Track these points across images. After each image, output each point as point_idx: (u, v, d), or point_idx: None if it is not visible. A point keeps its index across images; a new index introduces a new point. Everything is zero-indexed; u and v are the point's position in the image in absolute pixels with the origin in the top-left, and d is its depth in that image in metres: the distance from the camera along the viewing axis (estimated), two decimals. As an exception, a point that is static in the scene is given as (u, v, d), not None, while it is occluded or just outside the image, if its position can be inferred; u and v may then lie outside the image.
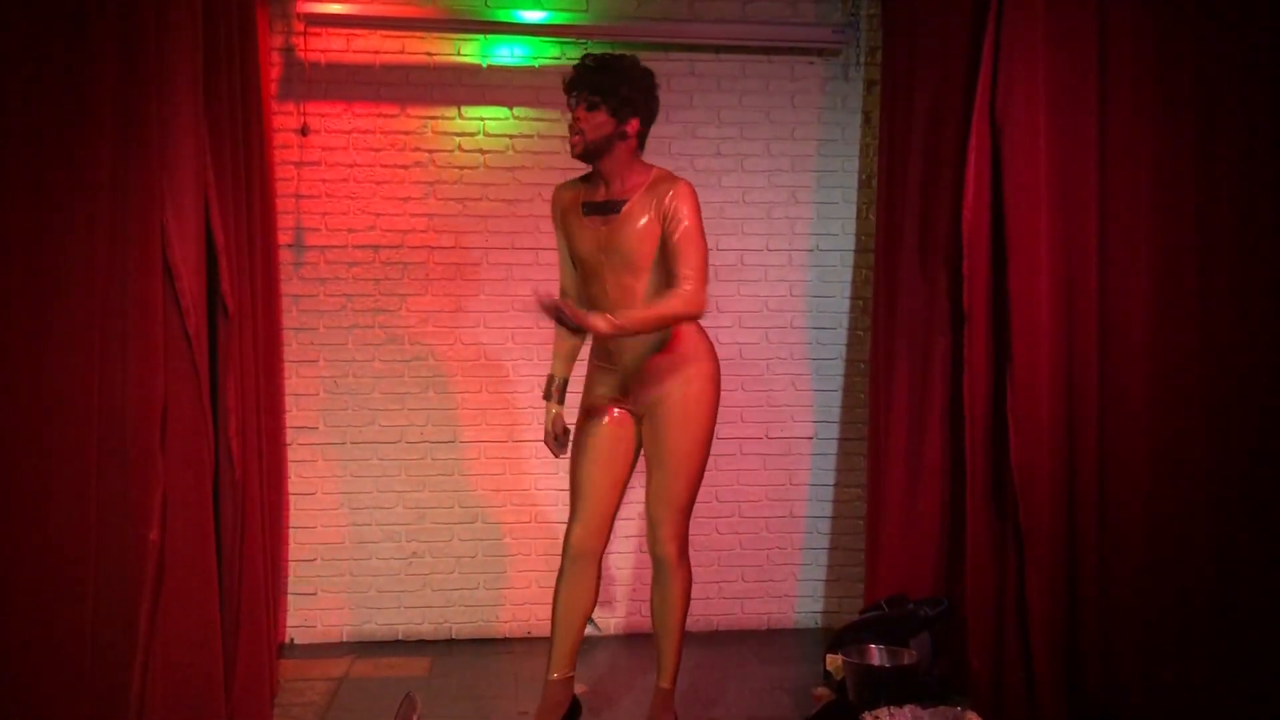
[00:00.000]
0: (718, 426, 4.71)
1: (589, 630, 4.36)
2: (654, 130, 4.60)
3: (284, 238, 4.49)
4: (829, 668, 3.91)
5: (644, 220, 3.26)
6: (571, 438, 3.54)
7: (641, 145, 3.36)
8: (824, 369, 4.81)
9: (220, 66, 3.36)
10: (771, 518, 4.81)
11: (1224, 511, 3.57)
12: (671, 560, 3.40)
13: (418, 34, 4.57)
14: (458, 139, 4.63)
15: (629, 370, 3.37)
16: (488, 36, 4.60)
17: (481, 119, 4.64)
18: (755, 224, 4.77)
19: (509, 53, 4.63)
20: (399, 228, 4.59)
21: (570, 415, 3.56)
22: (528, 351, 4.66)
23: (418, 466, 4.62)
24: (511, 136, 4.65)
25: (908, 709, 3.32)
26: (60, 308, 2.89)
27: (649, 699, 3.58)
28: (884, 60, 4.44)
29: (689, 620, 3.52)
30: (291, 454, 4.50)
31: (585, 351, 3.60)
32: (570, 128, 3.29)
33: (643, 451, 3.45)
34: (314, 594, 4.57)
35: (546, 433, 3.62)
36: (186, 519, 3.11)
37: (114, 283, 2.95)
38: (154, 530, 2.97)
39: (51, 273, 2.88)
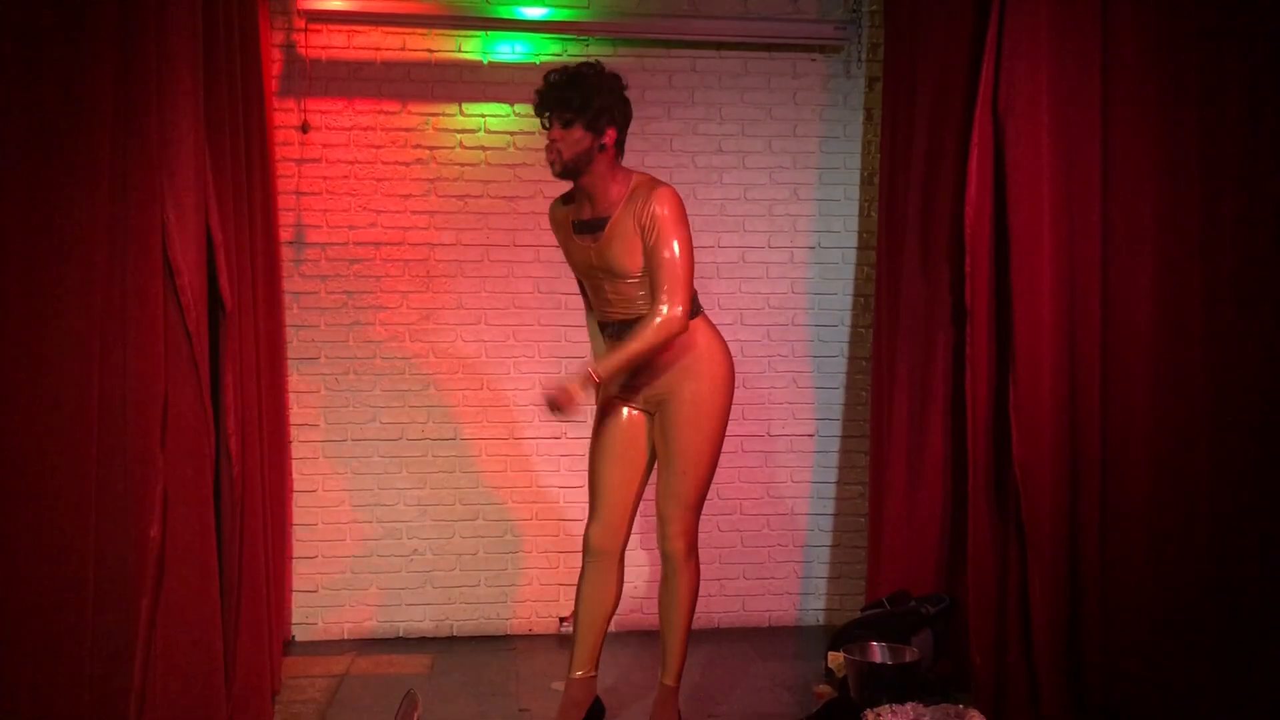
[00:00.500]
0: (727, 425, 4.74)
1: (565, 628, 4.39)
2: (655, 127, 4.67)
3: (285, 235, 4.49)
4: (831, 665, 3.90)
5: (627, 235, 3.24)
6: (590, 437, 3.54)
7: (621, 151, 3.30)
8: (826, 366, 4.81)
9: (220, 63, 3.35)
10: (773, 515, 4.80)
11: (1227, 508, 3.56)
12: (680, 557, 3.40)
13: (419, 30, 4.56)
14: (459, 136, 4.62)
15: (642, 369, 3.37)
16: (489, 33, 4.59)
17: (482, 116, 4.63)
18: (757, 221, 4.77)
19: (510, 49, 4.62)
20: (400, 225, 4.59)
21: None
22: (529, 349, 4.66)
23: (419, 463, 4.61)
24: (512, 133, 4.64)
25: (909, 706, 3.32)
26: (60, 304, 2.88)
27: (648, 695, 3.58)
28: (886, 56, 4.43)
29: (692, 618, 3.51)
30: (293, 451, 4.50)
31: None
32: (547, 147, 3.24)
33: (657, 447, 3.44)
34: (315, 591, 4.57)
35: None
36: (187, 515, 3.11)
37: (114, 279, 2.95)
38: (154, 527, 2.97)
39: (51, 269, 2.88)
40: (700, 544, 4.33)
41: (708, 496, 3.74)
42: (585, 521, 3.51)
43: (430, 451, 4.62)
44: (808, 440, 4.81)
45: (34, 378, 2.86)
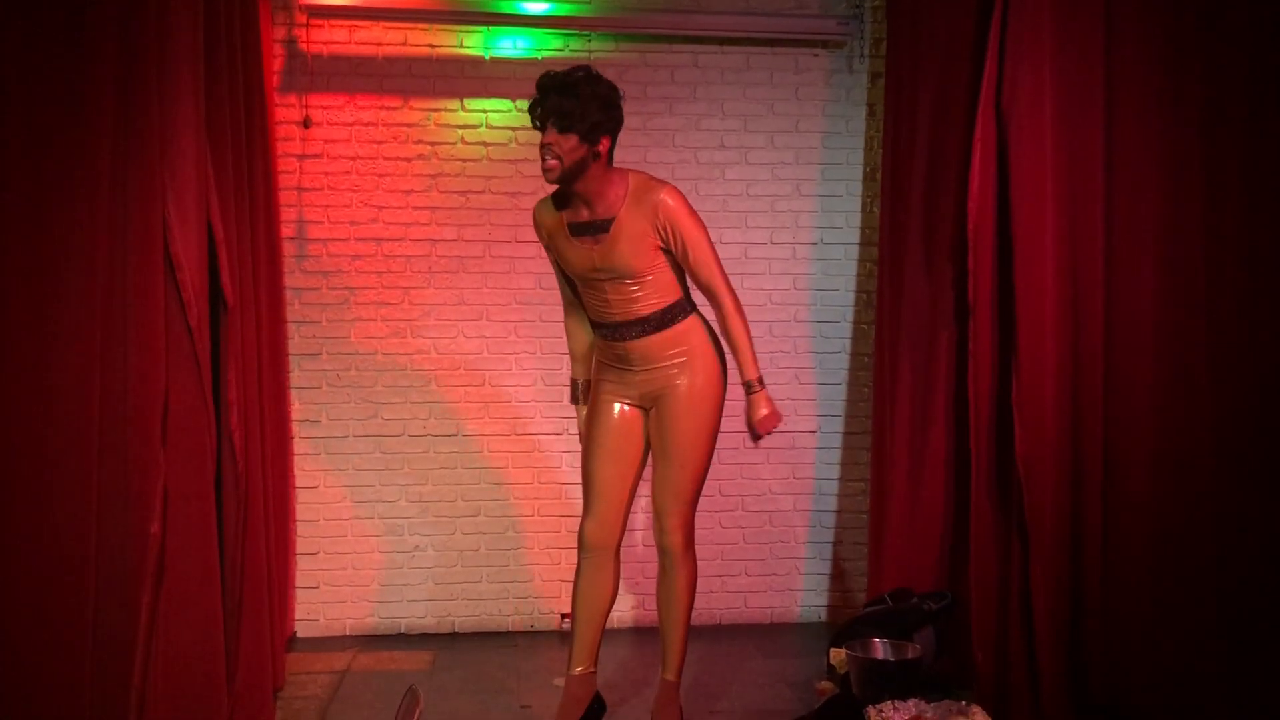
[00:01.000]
0: (723, 419, 4.73)
1: (566, 625, 4.39)
2: (658, 123, 4.67)
3: (286, 230, 4.49)
4: (833, 661, 3.90)
5: (636, 236, 3.25)
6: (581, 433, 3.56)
7: (612, 156, 3.30)
8: (828, 363, 4.80)
9: (222, 58, 3.35)
10: (775, 511, 4.80)
11: (1230, 504, 3.55)
12: (678, 551, 3.40)
13: (420, 26, 4.56)
14: (460, 131, 4.61)
15: (638, 365, 3.37)
16: (490, 28, 4.58)
17: (484, 111, 4.62)
18: (759, 217, 4.76)
19: (512, 45, 4.62)
20: (401, 220, 4.58)
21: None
22: (530, 345, 4.65)
23: (420, 460, 4.61)
24: (514, 129, 4.63)
25: (911, 703, 3.32)
26: (61, 300, 2.88)
27: (653, 692, 3.57)
28: (889, 52, 4.42)
29: (693, 614, 3.51)
30: (295, 447, 4.50)
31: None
32: (544, 152, 3.19)
33: (651, 443, 3.45)
34: (317, 587, 4.57)
35: (582, 435, 3.59)
36: (188, 512, 3.10)
37: (115, 275, 2.94)
38: (155, 523, 2.96)
39: (52, 266, 2.87)
40: (702, 540, 4.33)
41: (709, 493, 3.77)
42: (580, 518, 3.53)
43: (432, 448, 4.62)
44: (810, 437, 4.81)
45: (35, 374, 2.86)
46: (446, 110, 4.60)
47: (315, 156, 4.54)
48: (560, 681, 3.86)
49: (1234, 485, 3.55)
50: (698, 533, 4.30)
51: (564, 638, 4.52)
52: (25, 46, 2.84)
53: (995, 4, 3.61)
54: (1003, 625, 3.66)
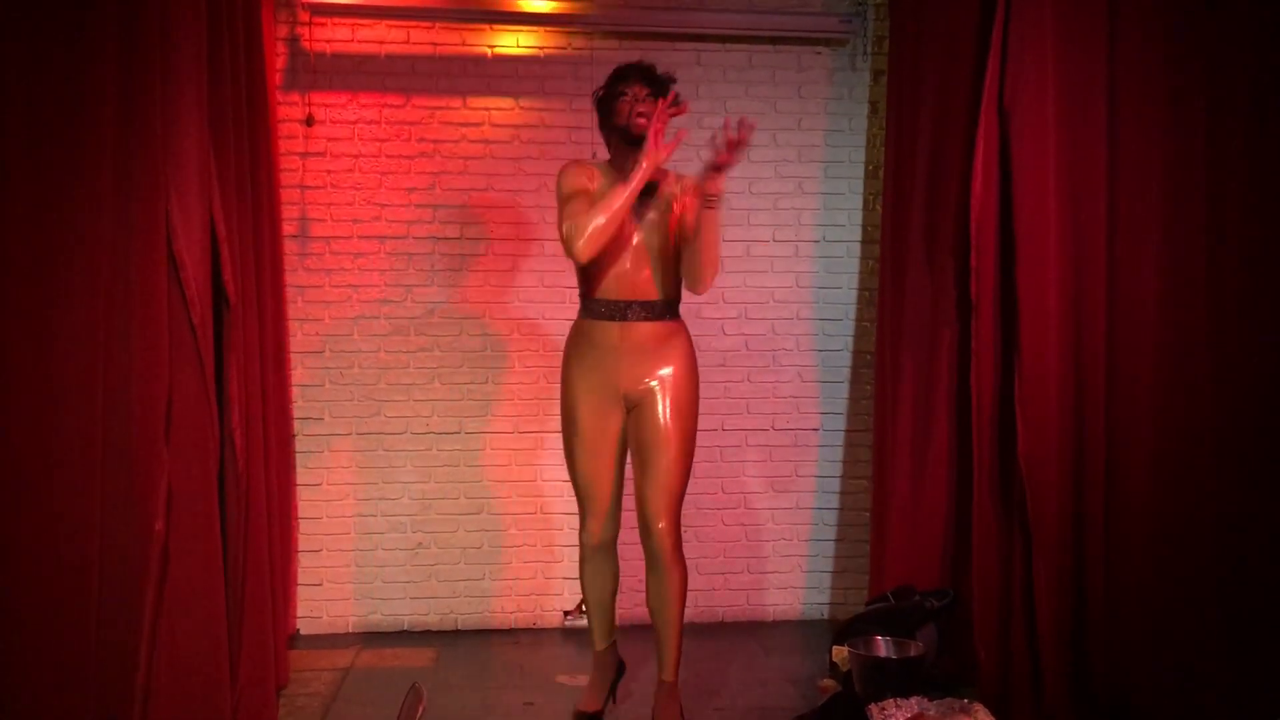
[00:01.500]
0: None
1: (569, 622, 4.39)
2: (660, 120, 4.65)
3: (289, 228, 4.49)
4: (835, 659, 3.90)
5: (676, 204, 3.44)
6: (562, 439, 3.60)
7: None
8: (830, 360, 4.80)
9: (224, 56, 3.35)
10: (777, 509, 4.80)
11: (1233, 501, 3.55)
12: (669, 552, 3.41)
13: (423, 24, 4.56)
14: (463, 129, 4.61)
15: (626, 354, 3.42)
16: (493, 26, 4.58)
17: (487, 109, 4.62)
18: (761, 215, 4.76)
19: (514, 43, 4.62)
20: (404, 218, 4.58)
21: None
22: (533, 342, 4.65)
23: (423, 457, 4.62)
24: (517, 127, 4.63)
25: (914, 700, 3.32)
26: (65, 299, 2.88)
27: (650, 690, 3.58)
28: (891, 50, 4.42)
29: (694, 612, 3.53)
30: (297, 445, 4.50)
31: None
32: (641, 101, 3.39)
33: (632, 445, 3.50)
34: (319, 585, 4.57)
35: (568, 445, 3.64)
36: (192, 509, 3.10)
37: (118, 273, 2.94)
38: (159, 521, 2.97)
39: (55, 264, 2.87)
40: (704, 538, 4.34)
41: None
42: (579, 522, 3.58)
43: (434, 445, 4.62)
44: (812, 434, 4.81)
45: (39, 372, 2.86)
46: (449, 108, 4.60)
47: (318, 154, 4.54)
48: (565, 679, 3.90)
49: (1237, 484, 3.55)
50: (699, 530, 4.33)
51: (567, 635, 4.55)
52: (27, 46, 2.84)
53: (998, 1, 3.60)
54: (1005, 623, 3.67)
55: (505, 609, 4.66)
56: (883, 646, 3.66)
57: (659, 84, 3.45)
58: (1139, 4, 3.60)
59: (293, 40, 4.48)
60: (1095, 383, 3.61)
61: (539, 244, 4.63)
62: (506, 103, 4.62)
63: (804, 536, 4.82)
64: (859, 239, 4.79)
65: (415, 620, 4.62)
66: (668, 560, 3.40)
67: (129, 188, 2.95)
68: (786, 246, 4.77)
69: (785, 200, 4.77)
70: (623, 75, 3.47)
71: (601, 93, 3.51)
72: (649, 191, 3.40)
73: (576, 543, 3.68)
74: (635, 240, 3.42)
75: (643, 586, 3.51)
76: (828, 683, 3.86)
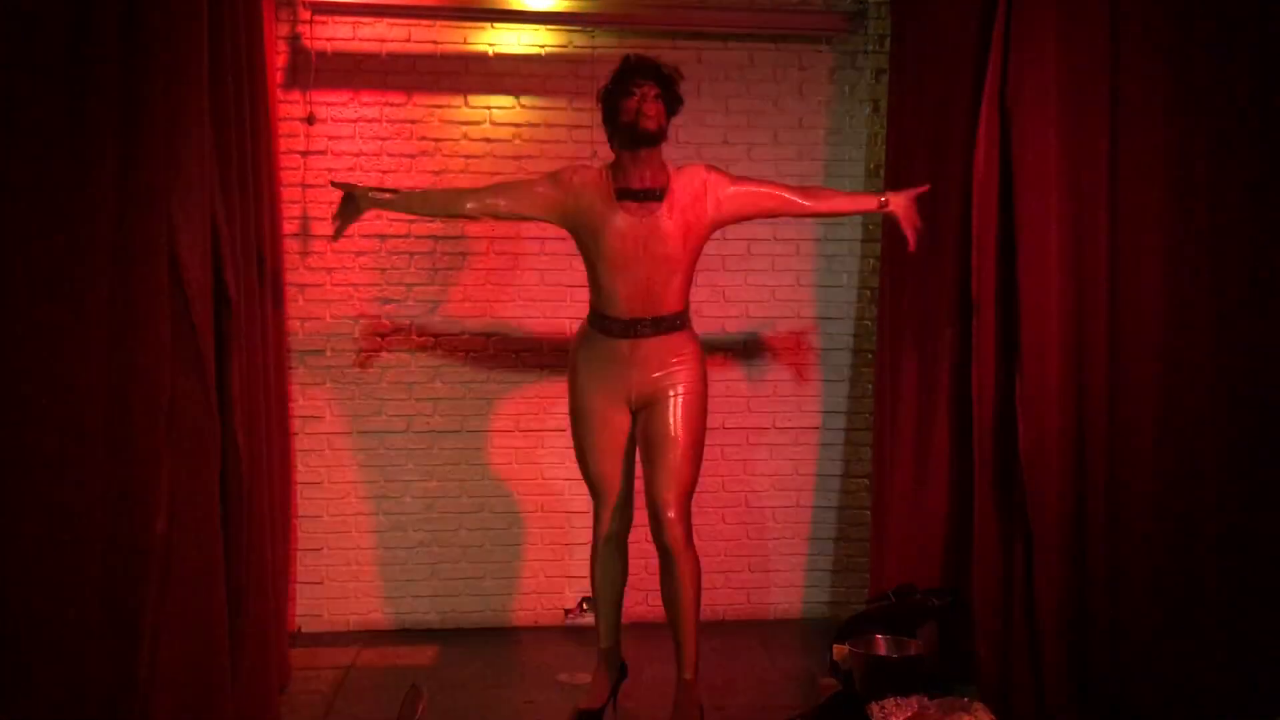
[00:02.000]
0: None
1: (571, 620, 4.40)
2: (661, 119, 4.64)
3: (290, 227, 4.49)
4: (836, 658, 3.90)
5: (687, 202, 3.40)
6: (574, 439, 3.61)
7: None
8: (831, 359, 4.80)
9: (226, 55, 3.34)
10: (778, 508, 4.80)
11: (1234, 500, 3.55)
12: (680, 546, 3.40)
13: (424, 22, 4.56)
14: (464, 128, 4.61)
15: (637, 367, 3.43)
16: (494, 24, 4.58)
17: (488, 107, 4.62)
18: (762, 213, 4.75)
19: (515, 41, 4.61)
20: (405, 217, 4.58)
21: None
22: (534, 341, 4.65)
23: (425, 456, 4.62)
24: (518, 125, 4.63)
25: (914, 699, 3.33)
26: (66, 298, 2.88)
27: (655, 688, 3.58)
28: (892, 48, 4.41)
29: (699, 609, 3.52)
30: (298, 443, 4.50)
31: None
32: (643, 98, 3.35)
33: (641, 444, 3.49)
34: (321, 583, 4.58)
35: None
36: (193, 508, 3.10)
37: (119, 273, 2.94)
38: (160, 521, 2.97)
39: (56, 263, 2.87)
40: (706, 536, 4.34)
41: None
42: (593, 517, 3.59)
43: (436, 444, 4.63)
44: (813, 433, 4.80)
45: (40, 371, 2.86)
46: (450, 107, 4.60)
47: (319, 153, 4.54)
48: (565, 677, 3.90)
49: (1240, 480, 3.55)
50: (700, 528, 4.30)
51: (568, 633, 4.54)
52: (28, 45, 2.84)
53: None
54: (1006, 621, 3.66)
55: (506, 607, 4.67)
56: (883, 645, 3.67)
57: (668, 83, 3.42)
58: (1141, 1, 3.59)
59: (294, 38, 4.48)
60: (1096, 382, 3.60)
61: (540, 242, 4.63)
62: (507, 101, 4.62)
63: (805, 535, 4.82)
64: (860, 237, 4.78)
65: (416, 619, 4.63)
66: (678, 551, 3.40)
67: (130, 186, 2.95)
68: (787, 245, 4.77)
69: (786, 198, 4.76)
70: (632, 71, 3.41)
71: (609, 87, 3.43)
72: (653, 196, 3.38)
73: (578, 541, 3.69)
74: (644, 256, 3.39)
75: (648, 585, 3.52)
76: (828, 681, 3.86)
